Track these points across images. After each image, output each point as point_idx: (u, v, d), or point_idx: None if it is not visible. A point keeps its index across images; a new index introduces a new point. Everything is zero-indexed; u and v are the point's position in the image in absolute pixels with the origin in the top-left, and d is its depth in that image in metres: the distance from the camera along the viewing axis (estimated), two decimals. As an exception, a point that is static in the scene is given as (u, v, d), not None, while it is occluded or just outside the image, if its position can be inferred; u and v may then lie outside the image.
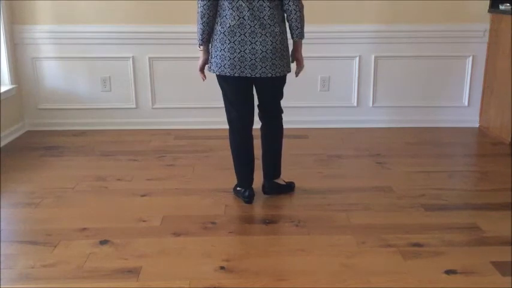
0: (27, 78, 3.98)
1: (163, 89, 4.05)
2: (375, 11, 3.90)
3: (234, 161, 2.77)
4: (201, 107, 4.05)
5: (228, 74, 2.51)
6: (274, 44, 2.47)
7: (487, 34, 3.95)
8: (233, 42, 2.46)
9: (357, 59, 4.00)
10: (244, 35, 2.45)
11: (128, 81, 4.03)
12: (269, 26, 2.46)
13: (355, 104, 4.11)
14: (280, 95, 2.73)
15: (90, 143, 3.75)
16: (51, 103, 4.04)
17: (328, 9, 3.87)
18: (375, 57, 4.00)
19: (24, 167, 3.27)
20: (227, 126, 2.75)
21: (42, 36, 3.89)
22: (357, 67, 4.02)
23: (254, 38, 2.46)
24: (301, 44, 2.61)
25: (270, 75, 2.51)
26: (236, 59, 2.47)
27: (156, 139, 3.84)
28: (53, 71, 3.99)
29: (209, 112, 4.02)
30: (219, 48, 2.50)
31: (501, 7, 3.76)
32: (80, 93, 4.04)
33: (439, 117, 4.13)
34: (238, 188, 2.81)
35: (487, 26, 3.93)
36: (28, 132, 4.02)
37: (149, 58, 3.97)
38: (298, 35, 2.53)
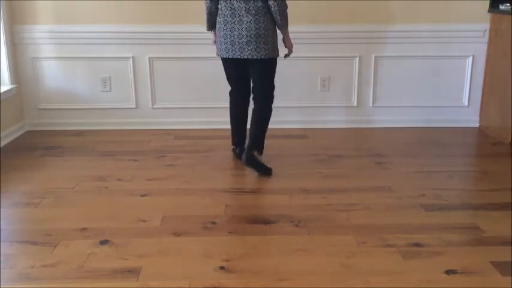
0: (27, 78, 3.98)
1: (163, 89, 4.04)
2: (375, 11, 3.89)
3: (230, 125, 3.30)
4: (201, 107, 4.05)
5: (224, 56, 3.04)
6: (257, 30, 2.92)
7: (487, 34, 3.95)
8: (226, 29, 2.97)
9: (357, 59, 4.00)
10: (234, 23, 2.94)
11: (128, 81, 4.03)
12: (254, 15, 2.90)
13: (355, 104, 4.11)
14: (267, 79, 3.09)
15: (90, 143, 3.75)
16: (51, 103, 4.05)
17: (328, 9, 3.87)
18: (375, 57, 4.00)
19: (24, 167, 3.27)
20: (227, 126, 3.09)
21: (42, 36, 3.89)
22: (357, 67, 4.02)
23: (241, 25, 2.93)
24: (285, 33, 3.07)
25: (256, 57, 2.95)
26: (228, 43, 2.98)
27: (156, 139, 3.84)
28: (53, 71, 3.99)
29: (209, 112, 4.02)
30: (218, 35, 3.04)
31: (501, 7, 3.76)
32: (80, 93, 4.04)
33: (439, 117, 4.13)
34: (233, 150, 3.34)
35: (487, 26, 3.93)
36: (28, 132, 4.02)
37: (149, 58, 3.97)
38: (279, 26, 3.01)
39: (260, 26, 2.92)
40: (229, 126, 3.34)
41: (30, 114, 4.06)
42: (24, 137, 3.92)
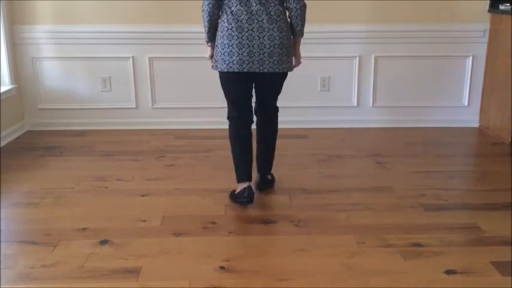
0: (27, 78, 3.98)
1: (163, 89, 4.05)
2: (376, 11, 3.90)
3: (233, 157, 2.74)
4: (201, 107, 4.05)
5: (236, 70, 2.49)
6: (281, 39, 2.48)
7: (487, 34, 3.95)
8: (241, 38, 2.45)
9: (357, 59, 4.00)
10: (252, 30, 2.45)
11: (128, 81, 4.03)
12: (276, 21, 2.47)
13: (355, 104, 4.11)
14: (279, 92, 2.74)
15: (90, 143, 3.75)
16: (51, 103, 4.04)
17: (328, 9, 3.87)
18: (375, 57, 4.00)
19: (24, 167, 3.27)
20: (227, 126, 2.74)
21: (42, 36, 3.89)
22: (357, 67, 4.02)
23: (262, 33, 2.46)
24: (299, 42, 2.64)
25: (278, 70, 2.51)
26: (245, 54, 2.46)
27: (156, 139, 3.83)
28: (53, 71, 3.99)
29: (209, 112, 4.02)
30: (226, 45, 2.48)
31: (501, 7, 3.76)
32: (80, 93, 4.04)
33: (439, 117, 4.13)
34: (236, 192, 2.69)
35: (487, 26, 3.93)
36: (28, 132, 4.02)
37: (149, 58, 3.97)
38: (298, 33, 2.57)
39: (284, 35, 2.48)
40: (227, 126, 2.80)
41: (30, 114, 4.06)
42: (24, 137, 3.92)
